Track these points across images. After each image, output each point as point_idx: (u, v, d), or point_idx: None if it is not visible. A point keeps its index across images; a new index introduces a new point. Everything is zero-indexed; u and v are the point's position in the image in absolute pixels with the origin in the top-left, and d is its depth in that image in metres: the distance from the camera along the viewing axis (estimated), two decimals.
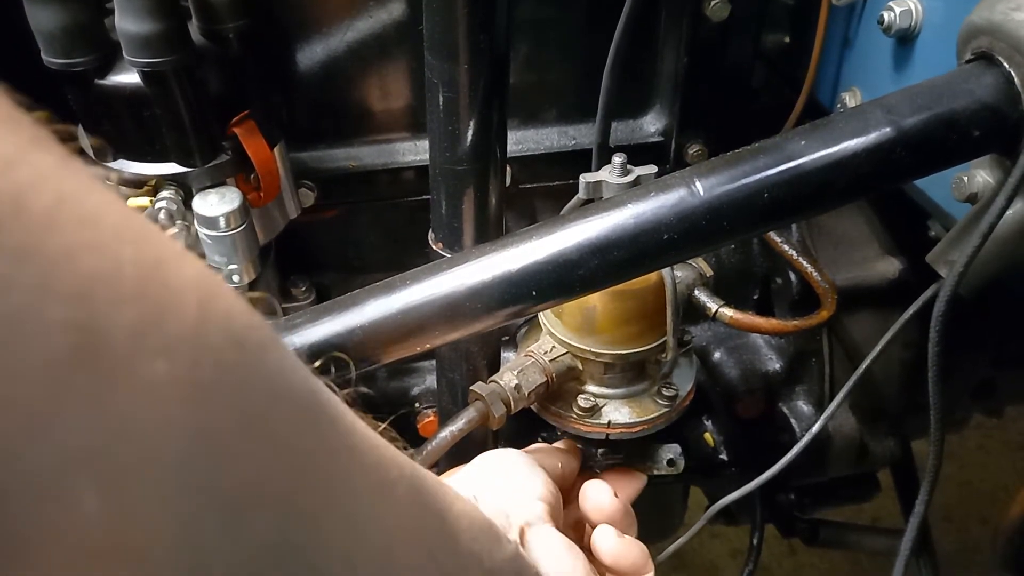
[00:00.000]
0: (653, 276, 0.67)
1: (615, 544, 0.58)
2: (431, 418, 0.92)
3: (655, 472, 0.76)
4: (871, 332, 0.86)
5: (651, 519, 0.88)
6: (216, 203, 0.72)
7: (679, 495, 0.99)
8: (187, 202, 0.73)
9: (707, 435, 0.91)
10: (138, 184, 0.73)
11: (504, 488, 0.58)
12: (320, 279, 0.92)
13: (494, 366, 0.76)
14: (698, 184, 0.52)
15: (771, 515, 1.00)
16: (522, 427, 0.78)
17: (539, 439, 0.81)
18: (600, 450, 0.74)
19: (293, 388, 0.26)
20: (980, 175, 0.58)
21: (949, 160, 0.54)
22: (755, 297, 0.95)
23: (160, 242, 0.21)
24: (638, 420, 0.71)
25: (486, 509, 0.48)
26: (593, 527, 0.61)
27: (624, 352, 0.69)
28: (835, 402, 0.71)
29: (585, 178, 0.64)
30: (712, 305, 0.76)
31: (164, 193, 0.72)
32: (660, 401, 0.72)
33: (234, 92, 0.73)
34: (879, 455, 0.94)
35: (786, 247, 0.83)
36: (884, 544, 1.04)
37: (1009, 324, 0.90)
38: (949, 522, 1.79)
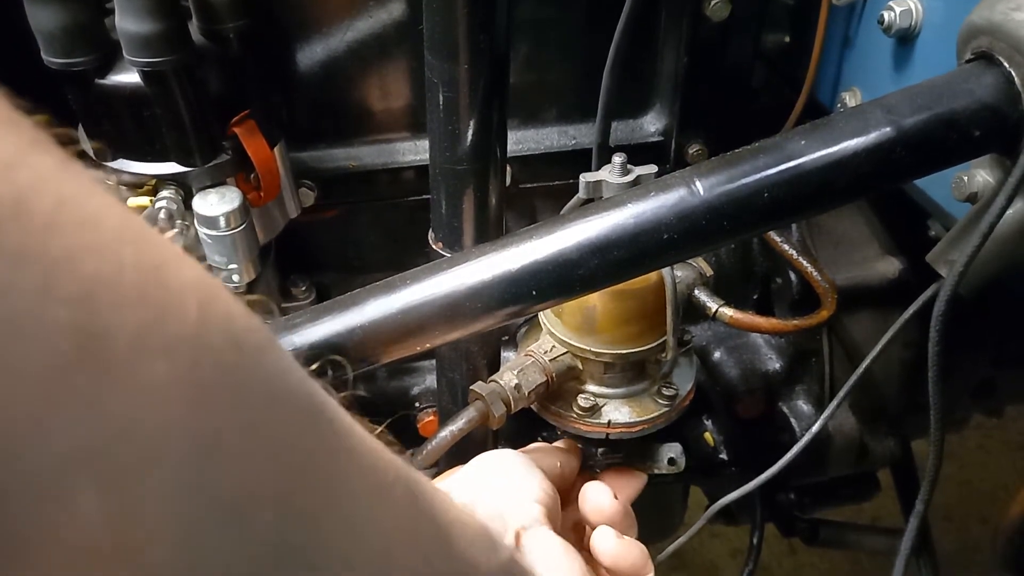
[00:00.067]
0: (653, 276, 0.67)
1: (615, 545, 0.58)
2: (431, 418, 0.92)
3: (656, 471, 0.76)
4: (871, 332, 0.86)
5: (651, 519, 0.88)
6: (216, 203, 0.72)
7: (679, 495, 0.99)
8: (187, 202, 0.73)
9: (707, 435, 0.91)
10: (138, 184, 0.73)
11: (501, 490, 0.57)
12: (320, 279, 0.92)
13: (494, 366, 0.76)
14: (698, 184, 0.52)
15: (771, 515, 1.00)
16: (522, 427, 0.78)
17: (539, 439, 0.81)
18: (600, 449, 0.74)
19: (291, 390, 0.26)
20: (980, 175, 0.58)
21: (949, 160, 0.54)
22: (755, 297, 0.95)
23: (159, 244, 0.21)
24: (638, 420, 0.71)
25: (482, 512, 0.48)
26: (593, 528, 0.61)
27: (624, 352, 0.69)
28: (835, 402, 0.71)
29: (585, 178, 0.64)
30: (712, 305, 0.76)
31: (164, 193, 0.72)
32: (660, 401, 0.72)
33: (234, 92, 0.73)
34: (879, 455, 0.94)
35: (786, 247, 0.83)
36: (884, 544, 1.04)
37: (1009, 324, 0.90)
38: (949, 522, 1.79)
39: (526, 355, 0.71)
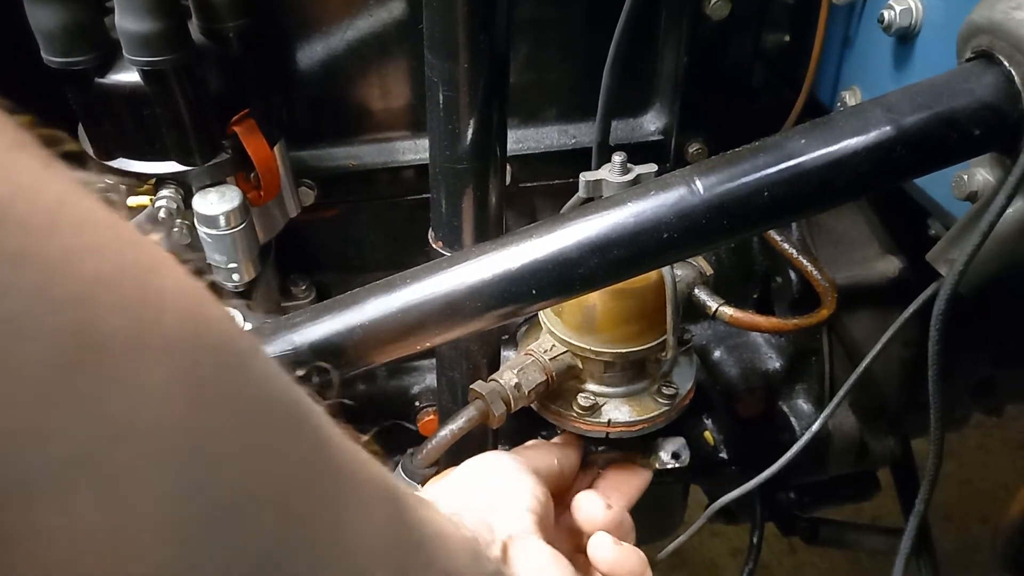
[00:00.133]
0: (653, 275, 0.67)
1: (611, 552, 0.58)
2: (431, 417, 0.92)
3: (659, 467, 0.75)
4: (871, 331, 0.86)
5: (651, 518, 0.88)
6: (216, 202, 0.72)
7: (679, 494, 0.99)
8: (187, 201, 0.73)
9: (707, 434, 0.91)
10: (138, 183, 0.73)
11: (490, 498, 0.57)
12: (320, 278, 0.92)
13: (494, 365, 0.76)
14: (698, 183, 0.52)
15: (771, 514, 1.00)
16: (522, 426, 0.78)
17: (539, 437, 0.81)
18: (600, 448, 0.74)
19: (276, 395, 0.26)
20: (980, 173, 0.58)
21: (949, 159, 0.54)
22: (755, 296, 0.95)
23: (152, 247, 0.21)
24: (638, 419, 0.71)
25: (470, 521, 0.48)
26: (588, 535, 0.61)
27: (624, 351, 0.69)
28: (835, 401, 0.71)
29: (585, 177, 0.64)
30: (712, 304, 0.76)
31: (164, 192, 0.72)
32: (660, 400, 0.72)
33: (234, 91, 0.73)
34: (879, 454, 0.94)
35: (786, 246, 0.83)
36: (884, 543, 1.04)
37: (1009, 322, 0.90)
38: (949, 521, 1.79)
39: (526, 354, 0.71)
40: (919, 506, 0.64)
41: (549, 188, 0.91)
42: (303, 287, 0.90)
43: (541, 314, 0.73)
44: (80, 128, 0.73)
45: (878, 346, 0.69)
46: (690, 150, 0.90)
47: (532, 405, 0.71)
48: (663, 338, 0.70)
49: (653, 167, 0.64)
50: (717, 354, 0.95)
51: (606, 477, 0.74)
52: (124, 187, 0.73)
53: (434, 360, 0.83)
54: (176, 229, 0.72)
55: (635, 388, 0.73)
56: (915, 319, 0.64)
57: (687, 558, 1.75)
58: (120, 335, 0.19)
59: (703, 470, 0.90)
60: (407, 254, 0.84)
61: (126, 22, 0.63)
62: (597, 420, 0.71)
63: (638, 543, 0.61)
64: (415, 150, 0.88)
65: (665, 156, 0.91)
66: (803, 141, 0.52)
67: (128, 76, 0.68)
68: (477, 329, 0.56)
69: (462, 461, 0.63)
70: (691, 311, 0.76)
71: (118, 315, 0.19)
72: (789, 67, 0.90)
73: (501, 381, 0.68)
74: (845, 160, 0.51)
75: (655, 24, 0.85)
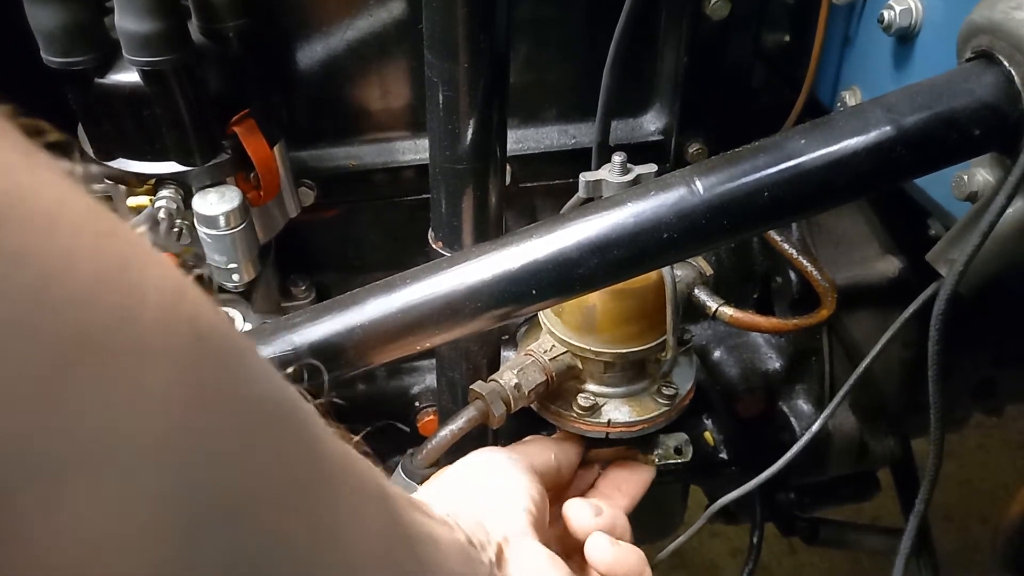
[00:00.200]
0: (653, 275, 0.67)
1: (609, 552, 0.57)
2: (431, 417, 0.92)
3: (660, 462, 0.75)
4: (871, 331, 0.86)
5: (651, 519, 0.88)
6: (216, 202, 0.72)
7: (679, 494, 0.99)
8: (187, 201, 0.73)
9: (707, 434, 0.91)
10: (138, 183, 0.73)
11: (486, 498, 0.56)
12: (320, 278, 0.92)
13: (494, 365, 0.76)
14: (698, 183, 0.52)
15: (771, 514, 1.00)
16: (522, 426, 0.78)
17: None
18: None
19: (272, 395, 0.26)
20: (980, 174, 0.58)
21: (949, 159, 0.54)
22: (755, 296, 0.95)
23: (149, 249, 0.21)
24: (638, 419, 0.71)
25: (465, 522, 0.47)
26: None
27: (624, 351, 0.69)
28: (835, 401, 0.71)
29: (585, 177, 0.64)
30: (712, 304, 0.76)
31: (164, 192, 0.72)
32: (660, 400, 0.72)
33: (234, 91, 0.73)
34: (879, 454, 0.94)
35: (786, 246, 0.83)
36: (884, 543, 1.03)
37: (1009, 323, 0.90)
38: (949, 521, 1.79)
39: (526, 354, 0.71)
40: (919, 506, 0.64)
41: (549, 188, 0.91)
42: (303, 287, 0.90)
43: (541, 314, 0.73)
44: (80, 128, 0.73)
45: (878, 346, 0.69)
46: (690, 150, 0.90)
47: (532, 405, 0.71)
48: (663, 338, 0.70)
49: (653, 167, 0.64)
50: (717, 354, 0.95)
51: (608, 476, 0.74)
52: (124, 187, 0.73)
53: (434, 360, 0.83)
54: (176, 229, 0.72)
55: (635, 388, 0.73)
56: (915, 319, 0.64)
57: (687, 558, 1.75)
58: (119, 336, 0.19)
59: (703, 470, 0.90)
60: (407, 254, 0.84)
61: (126, 22, 0.63)
62: (597, 420, 0.71)
63: (638, 544, 0.61)
64: (415, 150, 0.88)
65: (665, 156, 0.91)
66: (803, 141, 0.52)
67: (128, 76, 0.68)
68: (477, 329, 0.56)
69: None
70: (691, 311, 0.76)
71: (117, 316, 0.19)
72: (789, 67, 0.89)
73: (501, 381, 0.68)
74: (845, 160, 0.51)
75: (655, 24, 0.85)
